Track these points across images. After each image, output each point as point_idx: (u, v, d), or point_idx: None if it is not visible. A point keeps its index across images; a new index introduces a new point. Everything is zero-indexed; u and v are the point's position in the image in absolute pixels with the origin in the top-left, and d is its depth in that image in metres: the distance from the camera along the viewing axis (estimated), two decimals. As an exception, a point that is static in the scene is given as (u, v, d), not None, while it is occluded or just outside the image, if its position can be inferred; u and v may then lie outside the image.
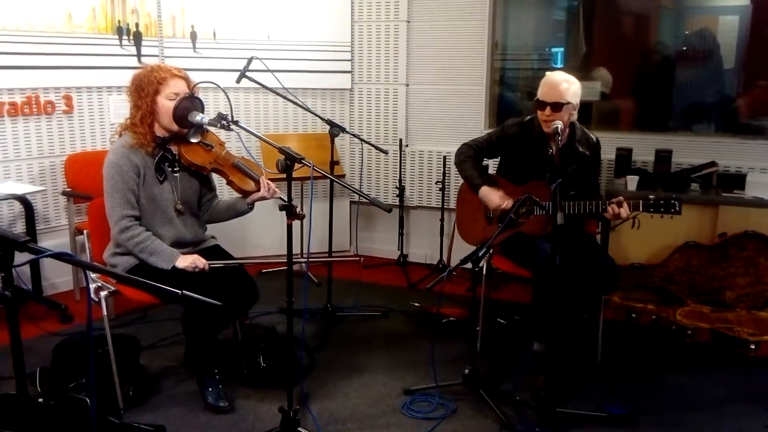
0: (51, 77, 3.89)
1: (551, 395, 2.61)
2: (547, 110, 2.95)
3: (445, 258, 4.58)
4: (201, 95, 2.76)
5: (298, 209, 2.40)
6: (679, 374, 3.12)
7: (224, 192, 3.24)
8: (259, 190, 2.86)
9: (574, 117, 3.05)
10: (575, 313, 3.06)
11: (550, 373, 2.63)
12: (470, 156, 3.25)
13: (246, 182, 2.86)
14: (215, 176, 2.95)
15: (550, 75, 3.02)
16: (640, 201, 2.83)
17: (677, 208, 2.79)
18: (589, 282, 2.96)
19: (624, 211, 2.83)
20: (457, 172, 3.41)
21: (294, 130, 4.66)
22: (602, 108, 4.40)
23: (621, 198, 2.85)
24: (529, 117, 3.21)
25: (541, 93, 3.00)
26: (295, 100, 3.55)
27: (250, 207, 2.94)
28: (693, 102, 4.33)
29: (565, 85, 2.93)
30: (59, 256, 1.54)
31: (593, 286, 2.98)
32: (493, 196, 3.13)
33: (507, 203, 3.08)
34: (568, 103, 2.94)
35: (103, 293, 2.71)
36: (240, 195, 2.91)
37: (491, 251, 3.22)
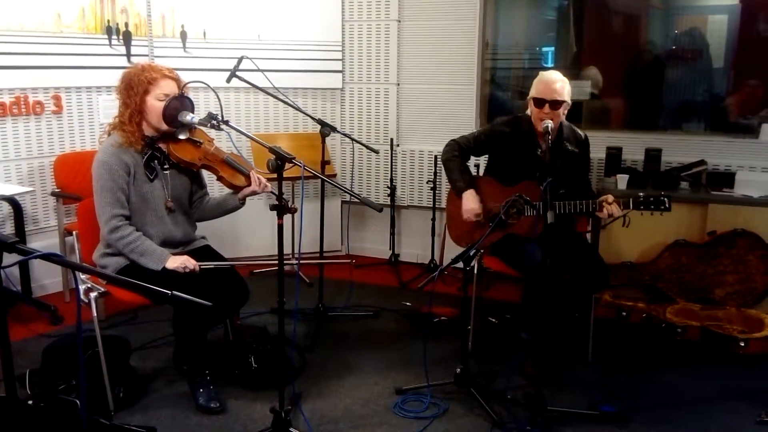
0: (40, 77, 3.87)
1: (540, 381, 2.63)
2: (546, 107, 2.96)
3: (436, 257, 4.58)
4: (191, 95, 2.75)
5: (290, 203, 2.40)
6: (670, 372, 3.14)
7: (215, 188, 3.22)
8: (249, 184, 2.85)
9: (564, 116, 3.07)
10: (566, 312, 3.07)
11: (538, 359, 2.64)
12: (456, 156, 3.25)
13: (236, 177, 2.86)
14: (205, 173, 2.94)
15: (545, 74, 3.04)
16: (630, 198, 2.86)
17: (667, 205, 2.84)
18: (580, 280, 2.97)
19: (615, 208, 2.85)
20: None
21: (285, 130, 4.66)
22: (592, 107, 4.42)
23: (611, 196, 2.88)
24: (517, 115, 3.21)
25: (538, 91, 3.01)
26: (286, 100, 3.55)
27: (242, 202, 2.93)
28: (682, 101, 4.35)
29: (560, 84, 2.98)
30: (48, 257, 1.53)
31: (584, 284, 2.99)
32: (470, 203, 3.13)
33: (479, 215, 3.11)
34: (564, 101, 2.98)
35: (92, 294, 2.69)
36: (230, 190, 2.91)
37: (482, 251, 3.23)
